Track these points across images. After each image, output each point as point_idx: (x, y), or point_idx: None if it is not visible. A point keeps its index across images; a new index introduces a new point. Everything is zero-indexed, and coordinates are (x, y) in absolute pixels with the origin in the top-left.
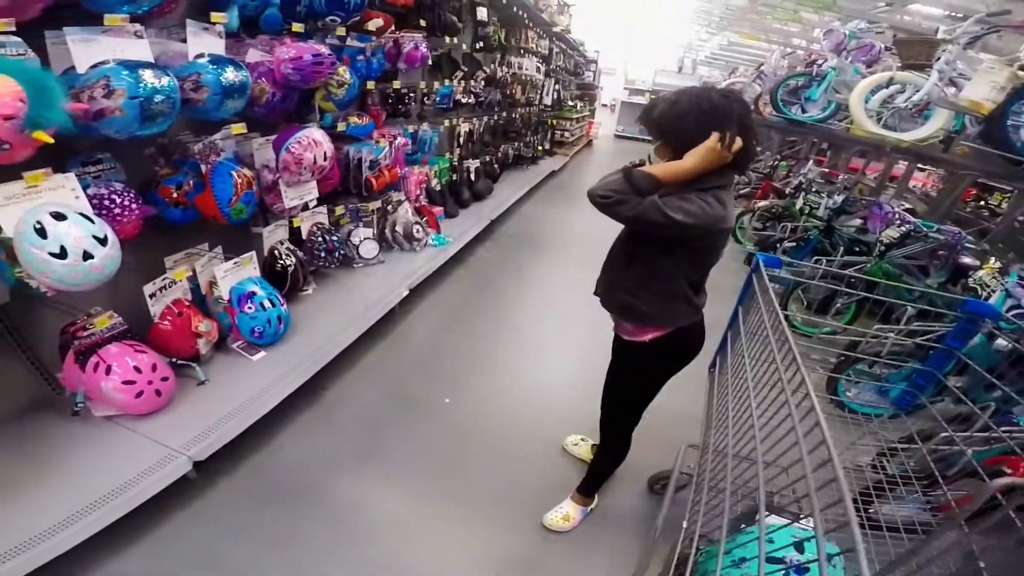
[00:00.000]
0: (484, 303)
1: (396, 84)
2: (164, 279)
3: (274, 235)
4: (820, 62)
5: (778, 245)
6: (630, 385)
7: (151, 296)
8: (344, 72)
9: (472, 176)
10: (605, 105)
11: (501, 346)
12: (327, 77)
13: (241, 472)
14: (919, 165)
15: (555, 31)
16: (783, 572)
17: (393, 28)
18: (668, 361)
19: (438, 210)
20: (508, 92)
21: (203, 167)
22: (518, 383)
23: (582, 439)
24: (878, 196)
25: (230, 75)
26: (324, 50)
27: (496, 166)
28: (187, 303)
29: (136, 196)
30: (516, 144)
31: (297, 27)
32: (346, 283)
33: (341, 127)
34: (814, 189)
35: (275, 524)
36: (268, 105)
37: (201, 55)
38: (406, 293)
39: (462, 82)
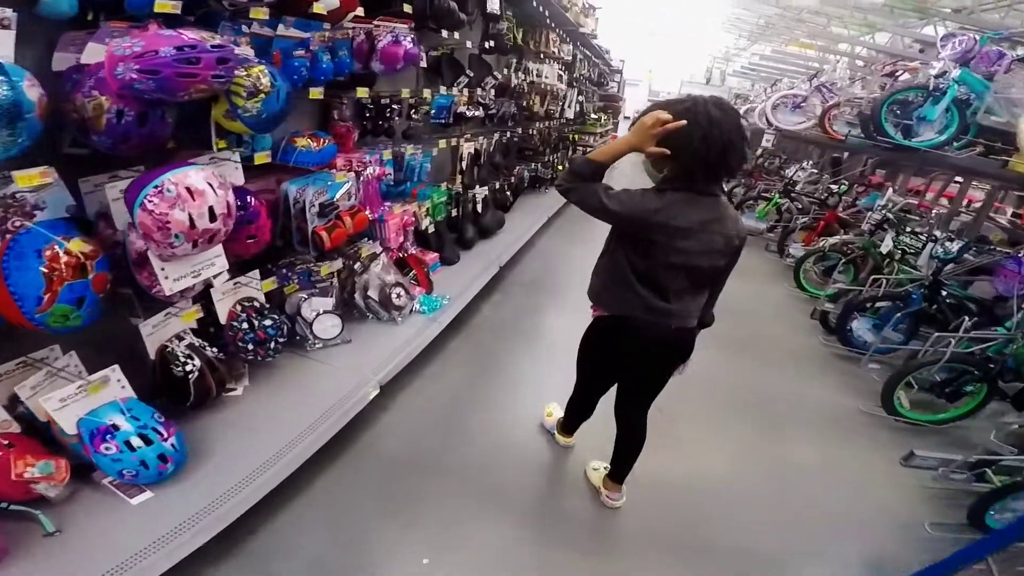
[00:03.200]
0: (487, 393)
1: (384, 92)
2: None
3: (164, 330)
4: (899, 73)
5: (867, 305)
6: (580, 351)
7: None
8: (260, 75)
9: (479, 208)
10: (627, 118)
11: (512, 466)
12: (215, 84)
13: None
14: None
15: (580, 32)
16: None
17: (361, 13)
18: (607, 340)
19: (432, 257)
20: (525, 103)
21: None
22: (537, 534)
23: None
24: (948, 223)
25: None
26: (207, 41)
27: (508, 192)
28: (8, 439)
29: None
30: (533, 165)
31: (164, 5)
32: (294, 375)
33: (261, 158)
34: (908, 229)
35: None
36: (115, 131)
37: None
38: (375, 394)
39: (466, 90)
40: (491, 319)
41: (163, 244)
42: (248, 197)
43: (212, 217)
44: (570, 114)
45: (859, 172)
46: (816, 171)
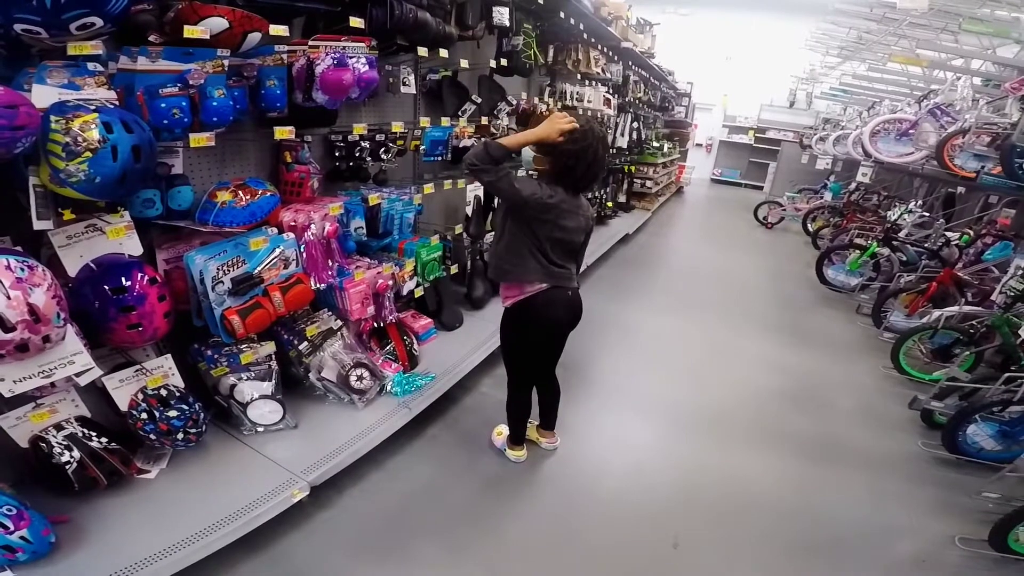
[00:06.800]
0: (449, 505)
1: (359, 129)
2: None
3: (38, 421)
4: None
5: (992, 412)
6: (504, 346)
7: None
8: (83, 128)
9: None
10: (700, 145)
11: None
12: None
13: None
14: None
15: (627, 48)
16: None
17: (284, 32)
18: (525, 321)
19: (423, 324)
20: None
21: None
22: None
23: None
24: None
25: None
26: None
27: None
28: None
29: None
30: None
31: None
32: (220, 463)
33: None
34: None
35: None
36: None
37: None
38: (302, 496)
39: (476, 120)
40: (489, 399)
41: None
42: (137, 275)
43: (6, 327)
44: (622, 143)
45: (977, 216)
46: (926, 213)
